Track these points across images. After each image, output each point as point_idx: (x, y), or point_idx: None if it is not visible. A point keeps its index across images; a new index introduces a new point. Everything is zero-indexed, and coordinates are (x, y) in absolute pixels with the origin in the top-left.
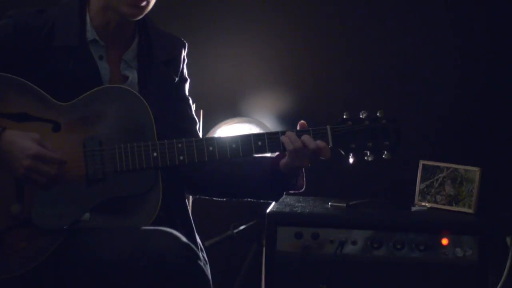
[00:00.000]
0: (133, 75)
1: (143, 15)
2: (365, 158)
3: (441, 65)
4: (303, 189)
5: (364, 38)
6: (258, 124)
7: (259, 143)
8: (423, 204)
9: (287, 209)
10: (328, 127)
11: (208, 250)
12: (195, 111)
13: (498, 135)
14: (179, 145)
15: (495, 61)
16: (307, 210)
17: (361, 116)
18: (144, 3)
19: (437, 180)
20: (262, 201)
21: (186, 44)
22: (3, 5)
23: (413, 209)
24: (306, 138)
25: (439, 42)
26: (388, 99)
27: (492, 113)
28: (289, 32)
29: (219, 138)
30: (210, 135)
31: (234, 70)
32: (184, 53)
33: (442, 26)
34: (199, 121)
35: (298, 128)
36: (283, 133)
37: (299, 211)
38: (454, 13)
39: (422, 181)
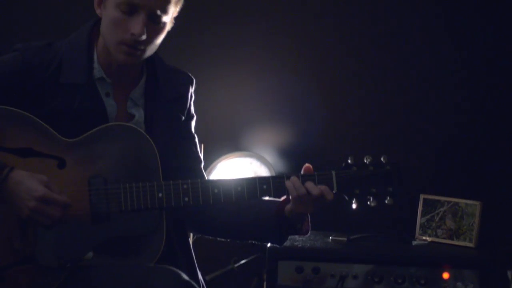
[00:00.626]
0: (139, 114)
1: (141, 61)
2: (368, 203)
3: (442, 100)
4: (308, 234)
5: (365, 79)
6: (259, 158)
7: (264, 186)
8: (424, 238)
9: (288, 244)
10: (333, 172)
11: (209, 284)
12: None
13: (498, 169)
14: (185, 186)
15: (494, 97)
16: (308, 245)
17: (365, 161)
18: (139, 52)
19: (437, 214)
20: (265, 243)
21: (194, 80)
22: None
23: (414, 243)
24: (310, 185)
25: (437, 79)
26: (390, 133)
27: (492, 147)
28: (290, 67)
29: (224, 180)
30: (211, 169)
31: (235, 104)
32: (191, 90)
33: (439, 66)
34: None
35: (302, 172)
36: (288, 177)
37: (300, 245)
38: (449, 53)
39: (423, 215)
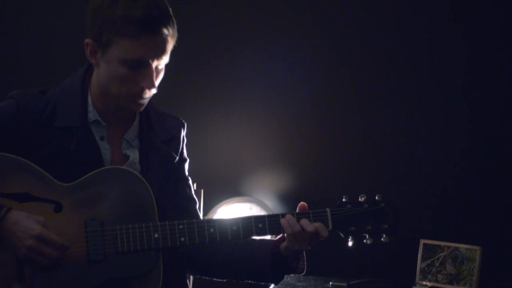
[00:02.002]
0: (134, 155)
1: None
2: (364, 241)
3: (441, 145)
4: (304, 273)
5: (362, 121)
6: (259, 203)
7: (260, 225)
8: (424, 283)
9: None
10: (328, 210)
11: None
12: (196, 190)
13: (497, 214)
14: (180, 226)
15: (493, 141)
16: None
17: (360, 200)
18: (147, 98)
19: (438, 259)
20: (262, 283)
21: (185, 124)
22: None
23: None
24: (304, 222)
25: (436, 123)
26: (388, 179)
27: (491, 192)
28: (289, 112)
29: (220, 220)
30: (211, 214)
31: (234, 150)
32: (183, 133)
33: (437, 109)
34: (200, 200)
35: (297, 210)
36: (283, 215)
37: None
38: (446, 97)
39: (423, 260)
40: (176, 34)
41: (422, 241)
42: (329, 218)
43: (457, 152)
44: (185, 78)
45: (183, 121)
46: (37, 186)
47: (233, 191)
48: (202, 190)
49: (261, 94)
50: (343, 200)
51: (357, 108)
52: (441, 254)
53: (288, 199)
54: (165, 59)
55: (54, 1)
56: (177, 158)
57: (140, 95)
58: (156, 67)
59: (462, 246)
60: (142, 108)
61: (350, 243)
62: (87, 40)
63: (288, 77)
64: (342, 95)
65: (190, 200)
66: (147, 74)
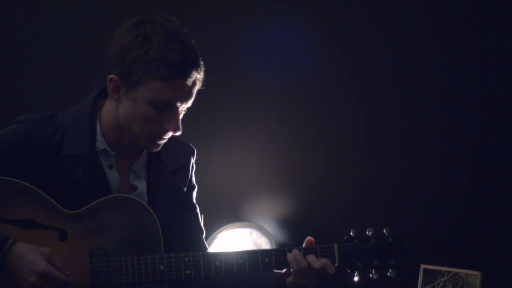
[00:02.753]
0: (142, 185)
1: None
2: (370, 276)
3: (442, 172)
4: None
5: (365, 152)
6: (259, 228)
7: (266, 259)
8: None
9: None
10: (335, 245)
11: None
12: None
13: (498, 239)
14: (186, 259)
15: (492, 169)
16: None
17: (367, 233)
18: (166, 140)
19: (438, 284)
20: None
21: (195, 151)
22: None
23: None
24: (311, 258)
25: (435, 154)
26: (389, 204)
27: (492, 217)
28: (290, 138)
29: (226, 253)
30: (211, 239)
31: (235, 175)
32: (193, 160)
33: (436, 141)
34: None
35: (304, 245)
36: (289, 250)
37: None
38: (444, 128)
39: (423, 285)
40: (203, 78)
41: (422, 266)
42: (336, 254)
43: (457, 178)
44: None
45: (193, 147)
46: (43, 213)
47: (234, 216)
48: (202, 216)
49: (261, 119)
50: (351, 234)
51: (360, 135)
52: (441, 279)
53: (289, 224)
54: (190, 102)
55: (65, 27)
56: (185, 188)
57: (162, 136)
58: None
59: (463, 271)
60: (159, 148)
61: (356, 278)
62: (112, 76)
63: (289, 103)
64: (344, 122)
65: (197, 231)
66: (173, 116)
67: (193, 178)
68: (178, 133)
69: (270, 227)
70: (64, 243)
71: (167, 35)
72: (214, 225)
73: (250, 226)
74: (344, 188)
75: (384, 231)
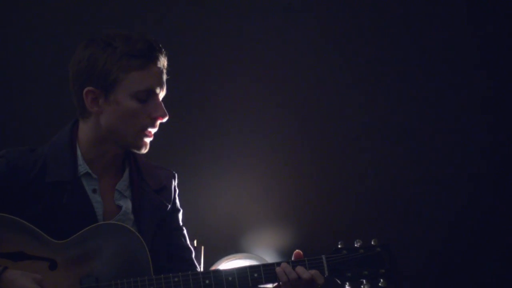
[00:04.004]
0: (126, 205)
1: None
2: (362, 286)
3: (435, 188)
4: None
5: (354, 167)
6: (259, 259)
7: (255, 274)
8: None
9: None
10: (323, 256)
11: None
12: (196, 247)
13: (499, 261)
14: (176, 279)
15: (492, 194)
16: None
17: (355, 245)
18: (153, 132)
19: None
20: None
21: (176, 175)
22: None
23: None
24: (300, 269)
25: (428, 171)
26: (383, 219)
27: (491, 233)
28: (290, 169)
29: (215, 271)
30: None
31: (234, 207)
32: (174, 183)
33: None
34: (200, 257)
35: (293, 258)
36: (278, 264)
37: None
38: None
39: None
40: (167, 65)
41: None
42: (325, 265)
43: (451, 195)
44: (184, 134)
45: (174, 172)
46: (31, 245)
47: (233, 247)
48: (202, 247)
49: (261, 151)
50: (339, 246)
51: (350, 156)
52: None
53: (289, 254)
54: (164, 90)
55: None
56: (170, 206)
57: (152, 127)
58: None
59: None
60: (147, 149)
61: None
62: (88, 88)
63: (287, 137)
64: (341, 156)
65: (186, 250)
66: (157, 103)
67: (177, 201)
68: (166, 118)
69: (270, 258)
70: (54, 272)
71: (123, 34)
72: (214, 257)
73: (250, 257)
74: (344, 219)
75: (372, 242)
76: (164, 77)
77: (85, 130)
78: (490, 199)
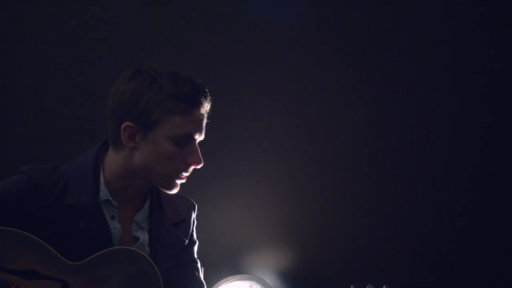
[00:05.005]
0: (144, 237)
1: None
2: None
3: (441, 227)
4: None
5: (365, 206)
6: (259, 281)
7: None
8: None
9: None
10: None
11: None
12: None
13: None
14: None
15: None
16: None
17: None
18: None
19: None
20: None
21: (196, 206)
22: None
23: None
24: None
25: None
26: (390, 258)
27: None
28: (290, 190)
29: None
30: None
31: (234, 227)
32: (194, 215)
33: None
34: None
35: None
36: None
37: None
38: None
39: None
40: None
41: None
42: None
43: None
44: None
45: (194, 203)
46: (45, 264)
47: (234, 268)
48: (202, 268)
49: (261, 171)
50: None
51: (358, 190)
52: None
53: (289, 276)
54: (203, 135)
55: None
56: (187, 241)
57: (185, 172)
58: None
59: None
60: (178, 189)
61: None
62: (127, 124)
63: (287, 156)
64: (344, 176)
65: (198, 283)
66: (193, 149)
67: (194, 233)
68: (201, 165)
69: (271, 279)
70: None
71: (170, 73)
72: (214, 278)
73: (251, 279)
74: (344, 241)
75: (384, 287)
76: (205, 122)
77: (114, 159)
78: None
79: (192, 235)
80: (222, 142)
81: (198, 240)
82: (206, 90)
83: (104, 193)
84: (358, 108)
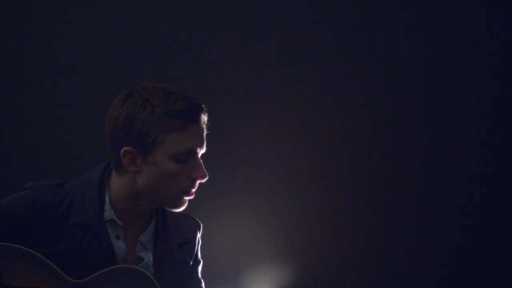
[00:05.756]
0: (148, 257)
1: None
2: None
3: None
4: None
5: (363, 221)
6: None
7: None
8: None
9: None
10: None
11: None
12: None
13: None
14: None
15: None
16: None
17: None
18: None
19: None
20: None
21: (201, 226)
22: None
23: None
24: None
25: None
26: (392, 273)
27: None
28: (290, 207)
29: None
30: None
31: (234, 243)
32: (199, 235)
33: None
34: None
35: None
36: None
37: None
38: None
39: None
40: (208, 121)
41: None
42: None
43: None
44: None
45: (199, 222)
46: (47, 281)
47: (233, 284)
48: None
49: (261, 185)
50: None
51: (359, 203)
52: None
53: None
54: (204, 147)
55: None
56: (191, 262)
57: (192, 188)
58: None
59: None
60: (185, 206)
61: None
62: (126, 148)
63: (286, 169)
64: (343, 192)
65: None
66: (197, 164)
67: (199, 253)
68: (206, 179)
69: None
70: None
71: (162, 91)
72: None
73: None
74: (346, 258)
75: None
76: (204, 134)
77: (118, 182)
78: None
79: (196, 255)
80: (220, 157)
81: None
82: (200, 103)
83: (109, 213)
84: (361, 126)
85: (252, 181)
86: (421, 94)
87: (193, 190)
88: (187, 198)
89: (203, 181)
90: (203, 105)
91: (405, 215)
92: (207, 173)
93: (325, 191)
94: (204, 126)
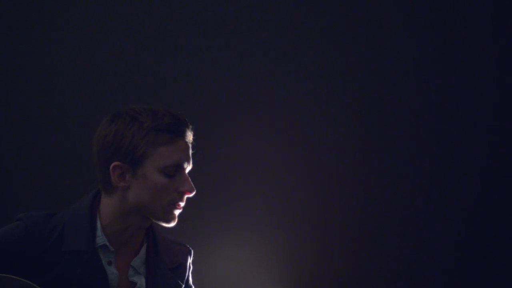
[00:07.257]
0: (141, 282)
1: None
2: None
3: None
4: None
5: (363, 238)
6: None
7: None
8: None
9: None
10: None
11: None
12: None
13: None
14: None
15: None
16: None
17: None
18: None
19: None
20: None
21: (192, 251)
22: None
23: None
24: None
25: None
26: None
27: None
28: (286, 225)
29: None
30: None
31: (232, 268)
32: (189, 260)
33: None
34: None
35: None
36: None
37: None
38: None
39: None
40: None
41: None
42: None
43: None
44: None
45: (190, 248)
46: None
47: None
48: None
49: (255, 205)
50: None
51: (357, 222)
52: None
53: None
54: (191, 164)
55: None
56: (183, 286)
57: (180, 202)
58: None
59: None
60: (175, 221)
61: None
62: (115, 164)
63: (283, 193)
64: (340, 211)
65: None
66: (184, 178)
67: (190, 278)
68: (193, 193)
69: None
70: None
71: (149, 110)
72: None
73: None
74: (345, 279)
75: None
76: (190, 151)
77: (108, 204)
78: None
79: (188, 280)
80: (217, 179)
81: (194, 280)
82: (186, 119)
83: (101, 238)
84: (359, 128)
85: (246, 200)
86: (420, 94)
87: (182, 204)
88: (176, 212)
89: (191, 195)
90: (189, 123)
91: (404, 216)
92: (194, 187)
93: (322, 213)
94: (190, 144)
